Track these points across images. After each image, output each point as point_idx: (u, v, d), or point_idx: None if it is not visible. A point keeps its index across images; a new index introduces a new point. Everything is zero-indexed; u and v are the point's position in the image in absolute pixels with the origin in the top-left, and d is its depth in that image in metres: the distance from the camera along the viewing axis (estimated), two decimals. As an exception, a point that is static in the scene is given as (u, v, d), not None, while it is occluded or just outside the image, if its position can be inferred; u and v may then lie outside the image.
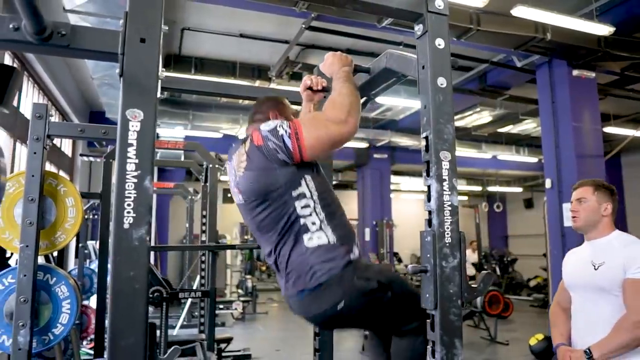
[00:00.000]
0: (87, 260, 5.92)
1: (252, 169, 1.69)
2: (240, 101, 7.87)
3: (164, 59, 7.12)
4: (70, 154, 8.45)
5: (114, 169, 1.16)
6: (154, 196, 9.34)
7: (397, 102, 8.34)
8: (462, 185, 15.37)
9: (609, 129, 8.65)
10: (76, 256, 4.97)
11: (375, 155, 11.57)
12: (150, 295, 3.07)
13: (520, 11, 4.39)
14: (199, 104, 8.82)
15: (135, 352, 1.10)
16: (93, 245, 7.33)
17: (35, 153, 2.18)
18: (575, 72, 5.95)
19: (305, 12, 4.37)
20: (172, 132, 8.90)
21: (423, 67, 1.56)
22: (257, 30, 6.07)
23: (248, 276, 11.11)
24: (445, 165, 1.50)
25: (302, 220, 1.67)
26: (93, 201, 5.26)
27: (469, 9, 4.82)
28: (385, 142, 10.47)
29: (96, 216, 5.29)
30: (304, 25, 5.13)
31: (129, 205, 1.14)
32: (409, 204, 16.50)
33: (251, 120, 1.94)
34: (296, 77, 6.64)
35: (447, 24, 1.59)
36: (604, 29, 4.81)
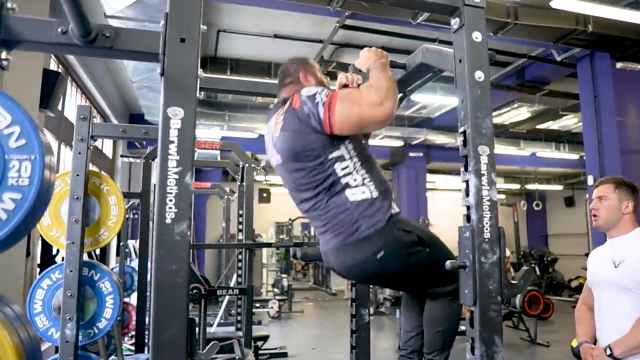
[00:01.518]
0: (128, 259, 6.10)
1: (288, 130, 1.73)
2: (275, 101, 7.93)
3: (200, 60, 7.23)
4: (110, 156, 8.71)
5: (155, 167, 1.20)
6: (192, 196, 9.51)
7: (432, 100, 8.24)
8: (499, 184, 15.01)
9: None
10: (117, 254, 5.12)
11: (411, 154, 11.46)
12: (190, 292, 3.14)
13: (559, 3, 4.26)
14: (235, 105, 8.95)
15: (178, 344, 1.13)
16: (133, 244, 7.56)
17: (79, 153, 2.26)
18: (619, 65, 5.74)
19: (339, 10, 4.38)
20: (208, 133, 9.05)
21: (460, 61, 1.55)
22: (291, 30, 6.11)
23: (284, 275, 11.19)
24: (484, 159, 1.49)
25: (343, 180, 1.70)
26: (133, 201, 5.40)
27: (506, 3, 4.71)
28: (421, 140, 10.36)
29: (136, 215, 5.44)
30: (337, 24, 5.14)
31: (170, 200, 1.17)
32: (445, 202, 16.25)
33: (281, 85, 1.98)
34: (330, 76, 6.64)
35: (483, 16, 1.57)
36: (649, 19, 4.63)
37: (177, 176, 1.19)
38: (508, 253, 11.27)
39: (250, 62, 7.09)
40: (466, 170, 1.49)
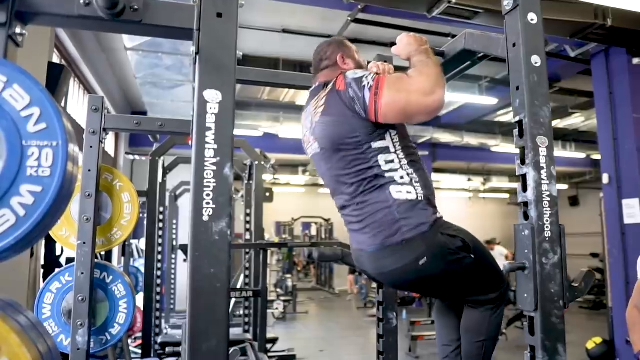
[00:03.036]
0: (131, 259, 5.96)
1: (330, 114, 1.61)
2: (281, 98, 7.80)
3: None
4: (112, 153, 8.57)
5: (193, 157, 1.06)
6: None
7: (440, 97, 8.11)
8: (504, 183, 14.94)
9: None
10: (122, 254, 4.98)
11: (416, 153, 11.33)
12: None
13: (581, -5, 4.14)
14: (239, 103, 8.80)
15: (218, 356, 1.00)
16: (136, 244, 7.42)
17: (91, 147, 2.13)
18: (635, 60, 5.60)
19: (352, 2, 4.24)
20: (212, 131, 8.90)
21: (514, 45, 1.42)
22: (301, 25, 5.96)
23: (288, 275, 11.05)
24: (543, 151, 1.36)
25: (387, 175, 1.57)
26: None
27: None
28: (427, 138, 10.22)
29: (142, 215, 5.31)
30: (349, 18, 5.00)
31: (208, 195, 1.04)
32: (450, 202, 16.15)
33: (318, 69, 1.84)
34: (338, 72, 6.51)
35: (539, -3, 1.45)
36: (671, 12, 4.50)
37: (214, 167, 1.06)
38: (506, 252, 11.15)
39: (258, 58, 6.95)
40: (523, 163, 1.36)
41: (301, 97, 7.69)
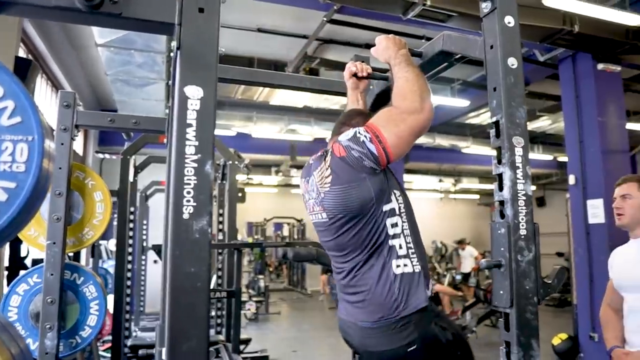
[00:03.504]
0: (100, 260, 5.82)
1: (341, 183, 1.56)
2: (255, 98, 7.74)
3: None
4: (81, 152, 8.36)
5: (173, 154, 1.04)
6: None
7: (413, 99, 8.19)
8: (474, 184, 15.21)
9: (629, 126, 8.47)
10: (92, 255, 4.86)
11: (388, 154, 11.41)
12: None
13: (552, 1, 4.25)
14: (219, 102, 8.68)
15: (199, 356, 0.98)
16: (106, 244, 7.24)
17: (62, 144, 2.07)
18: (600, 66, 5.78)
19: (328, 3, 4.24)
20: (184, 130, 8.78)
21: (491, 47, 1.45)
22: (276, 24, 5.94)
23: (260, 276, 10.99)
24: (519, 151, 1.39)
25: (390, 242, 1.55)
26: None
27: (495, 1, 4.65)
28: (399, 140, 10.31)
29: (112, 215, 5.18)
30: (325, 18, 5.00)
31: (188, 193, 1.02)
32: (422, 202, 16.34)
33: (337, 132, 1.75)
34: (312, 72, 6.51)
35: (515, 1, 1.48)
36: (635, 19, 4.66)
37: (195, 165, 1.04)
38: (476, 253, 11.36)
39: (232, 57, 6.89)
40: (499, 162, 1.39)
41: (275, 97, 7.65)
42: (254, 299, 9.34)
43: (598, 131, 5.75)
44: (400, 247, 1.56)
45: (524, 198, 1.36)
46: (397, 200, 1.59)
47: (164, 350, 1.06)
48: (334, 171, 1.58)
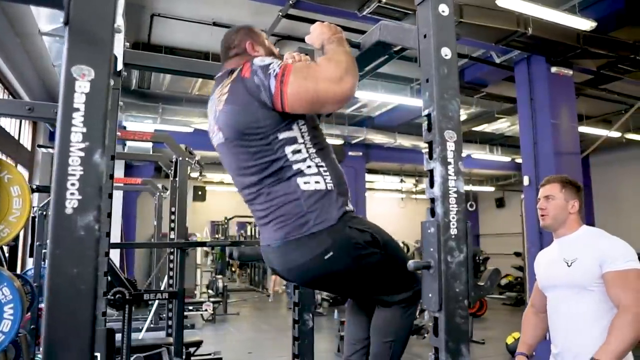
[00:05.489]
0: (44, 261, 5.55)
1: (234, 103, 1.51)
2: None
3: (133, 46, 6.79)
4: (30, 147, 8.00)
5: (56, 141, 0.93)
6: (120, 193, 8.88)
7: (375, 97, 8.18)
8: (435, 185, 15.35)
9: (581, 129, 8.70)
10: (30, 255, 4.60)
11: (350, 153, 11.40)
12: (112, 297, 2.81)
13: (505, 2, 4.28)
14: (169, 97, 8.48)
15: (79, 369, 0.87)
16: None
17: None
18: (553, 69, 5.90)
19: (283, -4, 4.16)
20: (140, 125, 8.52)
21: (425, 37, 1.38)
22: (232, 18, 5.80)
23: (219, 276, 10.79)
24: (451, 146, 1.32)
25: (295, 166, 1.49)
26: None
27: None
28: (361, 139, 10.32)
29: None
30: (280, 13, 4.90)
31: (73, 185, 0.91)
32: (383, 202, 16.44)
33: (226, 57, 1.74)
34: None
35: (450, -11, 1.41)
36: (585, 24, 4.76)
37: (82, 153, 0.92)
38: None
39: (187, 51, 6.70)
40: (430, 157, 1.32)
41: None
42: (212, 299, 9.14)
43: (551, 133, 5.86)
44: (309, 167, 1.51)
45: (456, 196, 1.30)
46: (300, 129, 1.53)
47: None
48: (232, 90, 1.54)
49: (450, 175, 1.30)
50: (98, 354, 1.80)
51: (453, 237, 1.28)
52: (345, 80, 1.44)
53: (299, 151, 1.51)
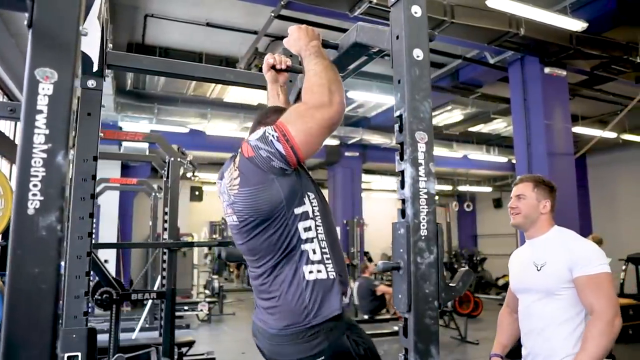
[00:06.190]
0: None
1: (249, 185, 1.47)
2: (208, 94, 7.58)
3: (127, 46, 6.79)
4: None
5: (19, 142, 0.94)
6: (117, 193, 8.87)
7: (369, 98, 8.20)
8: (432, 185, 15.35)
9: (577, 129, 8.71)
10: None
11: (347, 154, 11.42)
12: (99, 297, 2.82)
13: (495, 2, 4.28)
14: (165, 98, 8.49)
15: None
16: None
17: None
18: (547, 70, 5.91)
19: (274, -3, 4.17)
20: (136, 126, 8.54)
21: (397, 38, 1.39)
22: (225, 19, 5.82)
23: (215, 276, 10.80)
24: (422, 147, 1.33)
25: (303, 247, 1.47)
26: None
27: (443, 1, 4.68)
28: (357, 139, 10.33)
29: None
30: (272, 14, 4.91)
31: (35, 186, 0.92)
32: (380, 203, 16.44)
33: (254, 129, 1.65)
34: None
35: (424, -10, 1.42)
36: (577, 25, 4.76)
37: (45, 155, 0.93)
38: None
39: (181, 51, 6.71)
40: (402, 159, 1.32)
41: (229, 94, 7.51)
42: (208, 299, 9.15)
43: (544, 134, 5.88)
44: (314, 252, 1.48)
45: (426, 197, 1.30)
46: (310, 202, 1.51)
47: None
48: (242, 173, 1.49)
49: (420, 176, 1.31)
50: (79, 354, 1.80)
51: (423, 238, 1.28)
52: (333, 102, 1.44)
53: (309, 228, 1.49)
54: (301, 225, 1.48)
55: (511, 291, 2.18)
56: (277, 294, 1.49)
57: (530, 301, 1.99)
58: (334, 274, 1.49)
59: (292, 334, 1.46)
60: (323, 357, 1.44)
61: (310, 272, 1.47)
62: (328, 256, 1.51)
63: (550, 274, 1.90)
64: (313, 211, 1.51)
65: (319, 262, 1.48)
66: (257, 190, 1.46)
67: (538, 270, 1.94)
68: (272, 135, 1.43)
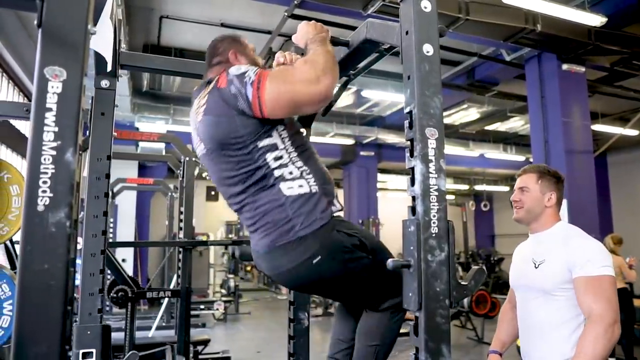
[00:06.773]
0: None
1: (211, 114, 1.51)
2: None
3: (142, 48, 6.87)
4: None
5: (29, 139, 0.95)
6: (134, 193, 8.96)
7: (384, 97, 8.15)
8: (449, 184, 15.26)
9: (597, 127, 8.56)
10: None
11: (362, 153, 11.39)
12: (115, 295, 2.85)
13: (511, -1, 4.24)
14: (181, 98, 8.56)
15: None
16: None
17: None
18: (564, 66, 5.82)
19: (288, -4, 4.17)
20: (152, 126, 8.62)
21: (407, 33, 1.37)
22: (239, 19, 5.84)
23: (231, 275, 10.86)
24: (432, 143, 1.31)
25: (277, 172, 1.49)
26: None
27: (458, -3, 4.64)
28: (372, 139, 10.29)
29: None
30: (286, 13, 4.92)
31: (44, 182, 0.93)
32: (396, 202, 16.33)
33: (209, 65, 1.74)
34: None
35: (432, -15, 1.40)
36: (596, 19, 4.67)
37: (54, 152, 0.95)
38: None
39: (196, 52, 6.76)
40: (412, 155, 1.30)
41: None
42: (224, 298, 9.20)
43: (562, 131, 5.78)
44: (291, 172, 1.51)
45: (437, 194, 1.28)
46: (279, 135, 1.52)
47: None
48: (209, 100, 1.53)
49: (431, 173, 1.29)
50: (93, 350, 1.82)
51: (434, 235, 1.27)
52: (321, 80, 1.43)
53: (280, 157, 1.50)
54: (270, 156, 1.50)
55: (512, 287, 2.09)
56: (260, 217, 1.52)
57: (527, 299, 1.89)
58: (316, 187, 1.52)
59: (282, 247, 1.49)
60: (319, 257, 1.46)
61: (290, 187, 1.49)
62: (308, 171, 1.53)
63: (548, 273, 1.80)
64: (283, 142, 1.53)
65: (298, 178, 1.51)
66: (218, 121, 1.50)
67: (536, 267, 1.85)
68: (249, 77, 1.46)
